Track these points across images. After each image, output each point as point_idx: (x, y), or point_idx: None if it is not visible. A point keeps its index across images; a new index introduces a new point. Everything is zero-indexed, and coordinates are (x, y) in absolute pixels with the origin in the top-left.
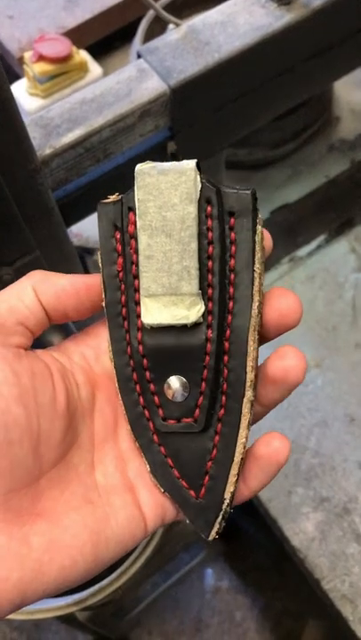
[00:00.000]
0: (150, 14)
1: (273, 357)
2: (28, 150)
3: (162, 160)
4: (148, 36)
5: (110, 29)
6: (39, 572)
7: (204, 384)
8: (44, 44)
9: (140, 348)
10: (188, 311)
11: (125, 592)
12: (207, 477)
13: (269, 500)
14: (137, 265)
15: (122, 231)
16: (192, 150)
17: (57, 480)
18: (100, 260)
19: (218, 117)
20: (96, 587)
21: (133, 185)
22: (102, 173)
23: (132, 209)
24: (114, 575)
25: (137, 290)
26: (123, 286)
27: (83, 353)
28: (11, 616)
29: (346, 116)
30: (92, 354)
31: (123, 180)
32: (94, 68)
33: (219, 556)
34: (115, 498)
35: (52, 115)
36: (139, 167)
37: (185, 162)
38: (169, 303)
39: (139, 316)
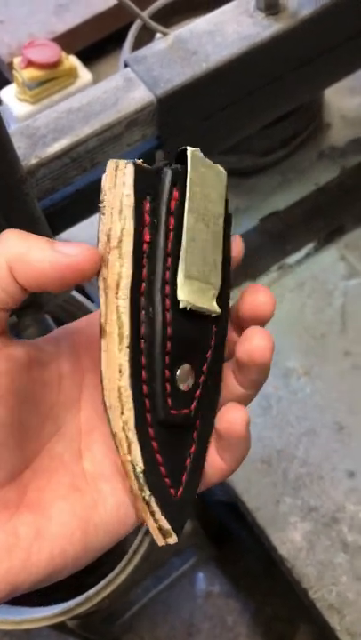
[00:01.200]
0: (139, 21)
1: (240, 340)
2: (12, 160)
3: None
4: (138, 43)
5: (101, 35)
6: (28, 562)
7: (203, 376)
8: (32, 50)
9: (169, 330)
10: (213, 302)
11: (114, 600)
12: (185, 474)
13: (257, 509)
14: (173, 243)
15: (157, 203)
16: None
17: (41, 470)
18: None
19: (206, 126)
20: (83, 596)
21: (185, 163)
22: (90, 182)
23: (175, 185)
24: (101, 584)
25: (168, 268)
26: (145, 260)
27: (73, 340)
28: None
29: (336, 123)
30: (84, 341)
31: None
32: (84, 74)
33: (210, 561)
34: (103, 484)
35: (37, 124)
36: (191, 150)
37: (218, 165)
38: (199, 290)
39: (167, 295)
